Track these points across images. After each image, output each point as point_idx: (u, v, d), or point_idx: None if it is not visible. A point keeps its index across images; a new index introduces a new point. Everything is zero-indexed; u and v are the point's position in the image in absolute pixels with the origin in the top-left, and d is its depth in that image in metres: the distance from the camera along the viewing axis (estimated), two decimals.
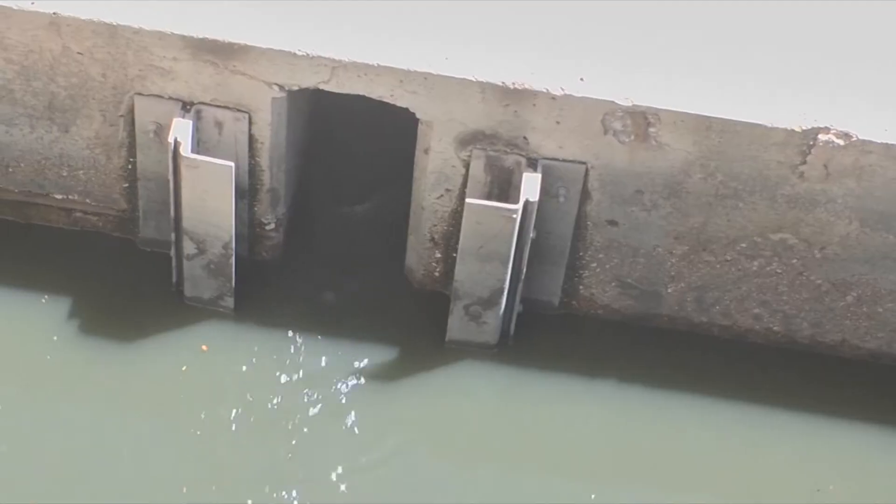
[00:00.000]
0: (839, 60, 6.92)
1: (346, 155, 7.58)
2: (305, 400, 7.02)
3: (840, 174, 6.53)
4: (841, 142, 6.41)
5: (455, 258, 6.87)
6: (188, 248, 6.87)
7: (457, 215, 6.78)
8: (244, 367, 6.93)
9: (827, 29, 7.04)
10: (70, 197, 7.02)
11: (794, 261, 6.84)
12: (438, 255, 6.99)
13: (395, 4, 6.86)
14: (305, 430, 6.91)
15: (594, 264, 7.04)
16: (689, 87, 6.59)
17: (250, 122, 6.63)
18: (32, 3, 6.59)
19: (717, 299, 7.15)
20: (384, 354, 6.96)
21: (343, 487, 6.89)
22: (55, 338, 6.93)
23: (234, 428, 6.90)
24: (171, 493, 6.74)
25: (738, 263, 6.92)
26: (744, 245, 6.81)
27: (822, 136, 6.33)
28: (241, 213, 6.85)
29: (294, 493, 6.87)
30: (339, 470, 6.89)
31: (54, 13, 6.34)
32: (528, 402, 7.05)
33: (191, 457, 6.89)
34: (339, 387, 6.98)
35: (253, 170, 6.84)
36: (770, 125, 6.33)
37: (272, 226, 7.06)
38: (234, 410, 6.93)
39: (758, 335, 7.24)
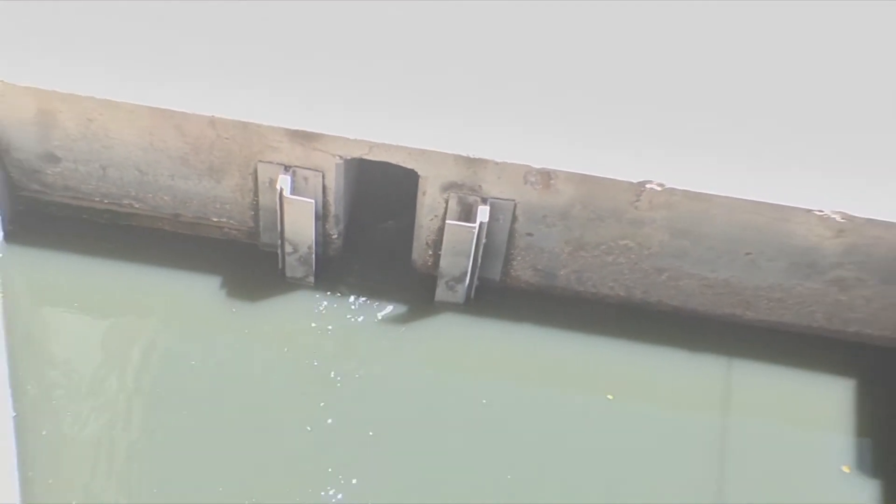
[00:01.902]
0: (663, 126, 7.17)
1: (378, 195, 8.03)
2: (354, 327, 7.64)
3: (658, 207, 7.15)
4: (658, 188, 6.99)
5: (440, 254, 7.60)
6: (288, 249, 7.58)
7: (441, 231, 7.48)
8: (322, 312, 7.60)
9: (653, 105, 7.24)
10: (221, 220, 7.66)
11: (632, 256, 7.53)
12: (430, 253, 7.67)
13: (406, 105, 7.14)
14: (353, 342, 7.61)
15: (519, 257, 7.67)
16: (575, 152, 7.08)
17: (323, 178, 7.34)
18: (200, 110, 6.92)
19: (589, 277, 7.72)
20: (401, 307, 7.67)
21: (363, 374, 7.44)
22: (217, 296, 7.57)
23: (316, 341, 7.47)
24: (283, 383, 7.29)
25: (601, 257, 7.55)
26: (604, 247, 7.42)
27: (647, 185, 6.95)
28: (317, 229, 7.56)
29: (335, 370, 7.38)
30: (366, 366, 7.51)
31: (212, 116, 6.94)
32: (481, 334, 7.64)
33: (291, 355, 7.43)
34: (374, 322, 7.58)
35: (325, 205, 7.52)
36: (620, 179, 7.00)
37: (335, 236, 7.75)
38: (313, 334, 7.57)
39: (612, 298, 7.79)
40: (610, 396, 7.55)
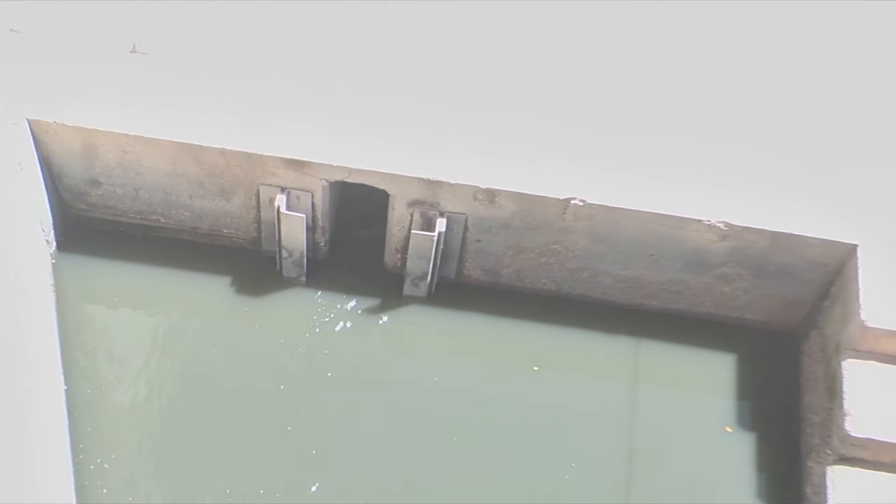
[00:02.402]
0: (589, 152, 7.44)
1: (357, 209, 8.22)
2: (338, 316, 7.94)
3: (580, 218, 7.44)
4: (580, 203, 7.28)
5: (407, 258, 7.87)
6: (284, 254, 7.90)
7: (407, 239, 7.78)
8: (312, 305, 7.92)
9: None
10: (231, 231, 7.98)
11: (560, 257, 7.82)
12: (399, 257, 7.96)
13: (378, 135, 7.37)
14: (337, 328, 7.85)
15: (470, 260, 7.97)
16: (515, 174, 7.36)
17: (312, 197, 7.65)
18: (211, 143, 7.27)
19: (527, 275, 8.01)
20: (375, 300, 7.98)
21: (345, 353, 7.81)
22: (228, 292, 7.89)
23: (307, 328, 7.81)
24: (277, 356, 7.73)
25: (535, 259, 7.87)
26: (538, 251, 7.76)
27: (572, 201, 7.25)
28: (308, 238, 7.81)
29: (324, 350, 7.75)
30: (348, 347, 7.81)
31: (223, 148, 7.27)
32: (440, 322, 7.99)
33: (287, 338, 7.74)
34: (355, 312, 7.89)
35: (314, 219, 7.79)
36: (550, 196, 7.31)
37: (322, 244, 8.00)
38: (305, 322, 7.87)
39: (545, 291, 8.08)
40: (536, 368, 7.84)
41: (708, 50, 8.08)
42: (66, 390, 7.57)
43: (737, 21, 8.28)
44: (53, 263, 7.87)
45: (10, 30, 7.56)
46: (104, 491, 7.26)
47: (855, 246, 7.25)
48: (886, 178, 7.57)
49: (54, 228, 7.88)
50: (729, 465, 7.70)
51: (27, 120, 7.43)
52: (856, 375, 7.03)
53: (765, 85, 7.95)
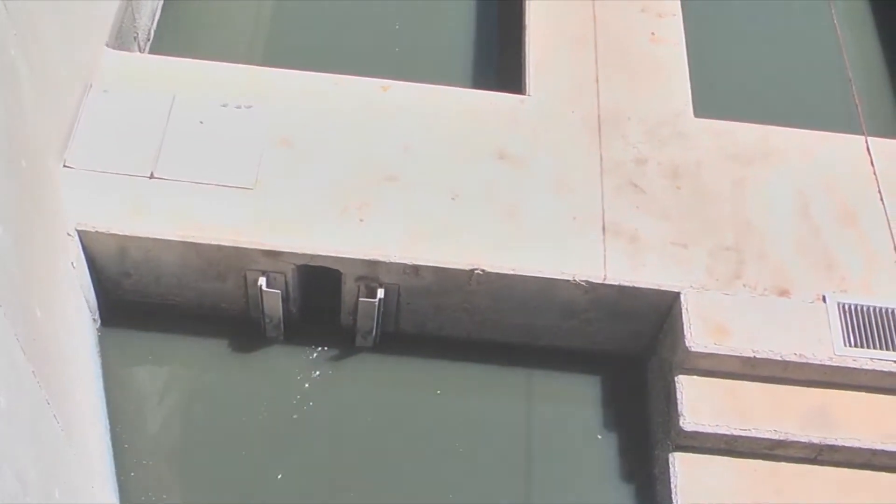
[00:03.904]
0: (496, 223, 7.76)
1: (320, 283, 7.98)
2: (309, 363, 8.00)
3: (482, 283, 7.71)
4: (481, 272, 7.60)
5: (356, 318, 8.00)
6: (266, 320, 8.05)
7: (356, 304, 7.87)
8: (289, 357, 8.00)
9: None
10: (226, 305, 8.12)
11: (469, 313, 7.96)
12: (351, 317, 8.05)
13: (333, 227, 7.63)
14: (308, 372, 7.98)
15: (404, 317, 8.07)
16: (432, 252, 7.63)
17: (285, 277, 7.81)
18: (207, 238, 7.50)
19: (446, 326, 8.09)
20: (335, 350, 8.01)
21: (313, 391, 7.88)
22: (226, 350, 8.02)
23: (287, 374, 7.89)
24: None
25: (452, 314, 8.01)
26: (453, 308, 7.90)
27: (475, 271, 7.55)
28: (284, 307, 7.93)
29: (298, 392, 7.83)
30: (315, 385, 7.90)
31: (219, 244, 7.51)
32: (383, 365, 8.10)
33: (271, 382, 7.84)
34: (319, 360, 7.96)
35: (287, 293, 7.89)
36: (458, 268, 7.62)
37: (295, 311, 8.11)
38: (284, 370, 7.95)
39: (460, 338, 8.10)
40: (439, 391, 8.07)
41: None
42: (108, 429, 7.70)
43: None
44: (98, 336, 8.04)
45: (64, 165, 7.77)
46: None
47: (678, 293, 7.76)
48: (698, 243, 7.98)
49: (98, 309, 8.08)
50: (600, 458, 8.01)
51: (76, 230, 7.58)
52: (685, 387, 7.63)
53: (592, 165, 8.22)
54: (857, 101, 7.42)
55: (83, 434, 7.21)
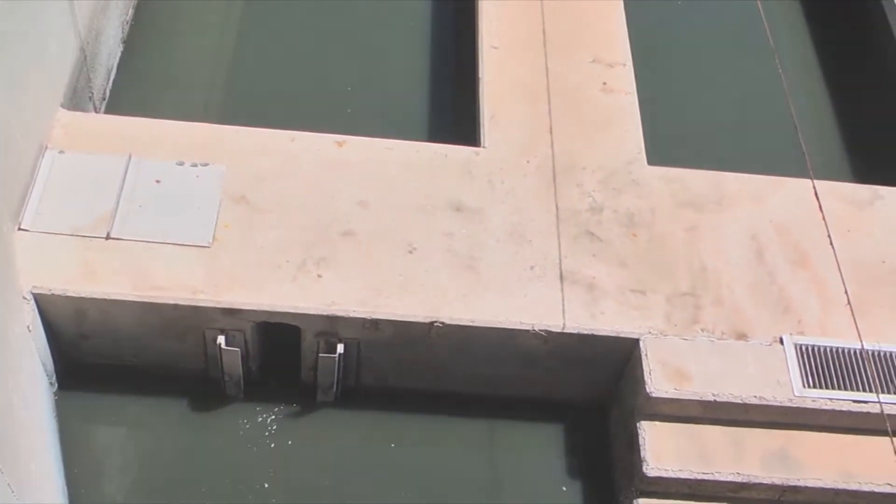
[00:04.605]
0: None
1: (279, 340, 7.90)
2: (270, 420, 7.92)
3: (442, 335, 7.68)
4: (440, 325, 7.58)
5: (317, 374, 7.95)
6: (226, 378, 7.98)
7: (317, 359, 7.78)
8: (250, 413, 7.91)
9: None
10: (185, 364, 8.01)
11: (430, 365, 7.88)
12: (312, 373, 8.00)
13: (291, 283, 7.60)
14: (270, 429, 7.90)
15: (364, 371, 8.03)
16: (391, 306, 7.61)
17: (244, 334, 7.76)
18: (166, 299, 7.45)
19: (407, 379, 8.01)
20: (296, 407, 7.96)
21: (276, 447, 7.79)
22: (187, 409, 7.92)
23: (248, 431, 7.82)
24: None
25: (412, 367, 7.94)
26: (412, 360, 7.83)
27: (435, 323, 7.54)
28: (244, 365, 7.87)
29: (260, 446, 7.73)
30: (277, 442, 7.83)
31: (175, 304, 7.47)
32: (345, 419, 8.02)
33: (232, 440, 7.77)
34: (281, 417, 7.93)
35: (246, 350, 7.84)
36: (418, 321, 7.57)
37: (254, 368, 8.03)
38: (245, 427, 7.88)
39: (421, 389, 8.04)
40: (402, 445, 7.98)
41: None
42: (68, 501, 7.57)
43: None
44: (56, 400, 7.91)
45: (19, 228, 7.73)
46: None
47: (637, 339, 7.78)
48: (655, 289, 8.01)
49: (56, 373, 7.96)
50: None
51: (32, 293, 7.49)
52: (647, 432, 7.62)
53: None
54: (803, 145, 7.45)
55: (39, 502, 7.09)
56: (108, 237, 7.75)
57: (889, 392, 7.71)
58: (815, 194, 7.45)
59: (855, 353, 7.80)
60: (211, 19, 10.58)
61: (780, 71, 8.41)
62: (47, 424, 7.70)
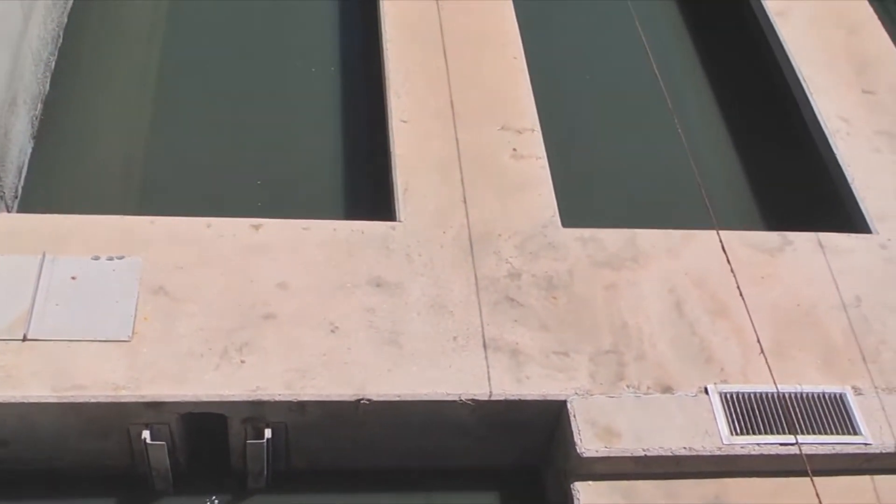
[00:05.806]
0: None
1: (206, 429, 7.70)
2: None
3: (369, 413, 7.50)
4: (367, 402, 7.42)
5: (246, 460, 7.74)
6: (154, 473, 7.75)
7: (245, 445, 7.62)
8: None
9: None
10: (110, 462, 7.75)
11: (361, 442, 7.72)
12: (240, 459, 7.71)
13: (214, 372, 7.47)
14: None
15: (295, 454, 7.84)
16: (318, 387, 7.45)
17: (170, 426, 7.58)
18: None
19: (338, 459, 7.87)
20: (227, 496, 7.82)
21: None
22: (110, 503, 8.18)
23: None
24: None
25: (343, 446, 7.80)
26: (342, 440, 7.70)
27: (361, 401, 7.37)
28: (171, 458, 7.64)
29: None
30: None
31: (96, 402, 7.21)
32: (277, 500, 7.78)
33: None
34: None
35: (173, 442, 7.63)
36: (344, 400, 7.39)
37: (182, 460, 7.79)
38: None
39: (355, 468, 7.87)
40: None
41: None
42: None
43: None
44: None
45: None
46: None
47: (564, 401, 7.73)
48: (578, 350, 7.98)
49: None
50: None
51: None
52: (581, 493, 7.56)
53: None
54: (705, 199, 7.54)
55: None
56: (24, 339, 7.54)
57: (811, 432, 7.76)
58: (721, 245, 7.57)
59: (777, 396, 7.86)
60: (121, 110, 10.48)
61: (680, 130, 8.54)
62: None
